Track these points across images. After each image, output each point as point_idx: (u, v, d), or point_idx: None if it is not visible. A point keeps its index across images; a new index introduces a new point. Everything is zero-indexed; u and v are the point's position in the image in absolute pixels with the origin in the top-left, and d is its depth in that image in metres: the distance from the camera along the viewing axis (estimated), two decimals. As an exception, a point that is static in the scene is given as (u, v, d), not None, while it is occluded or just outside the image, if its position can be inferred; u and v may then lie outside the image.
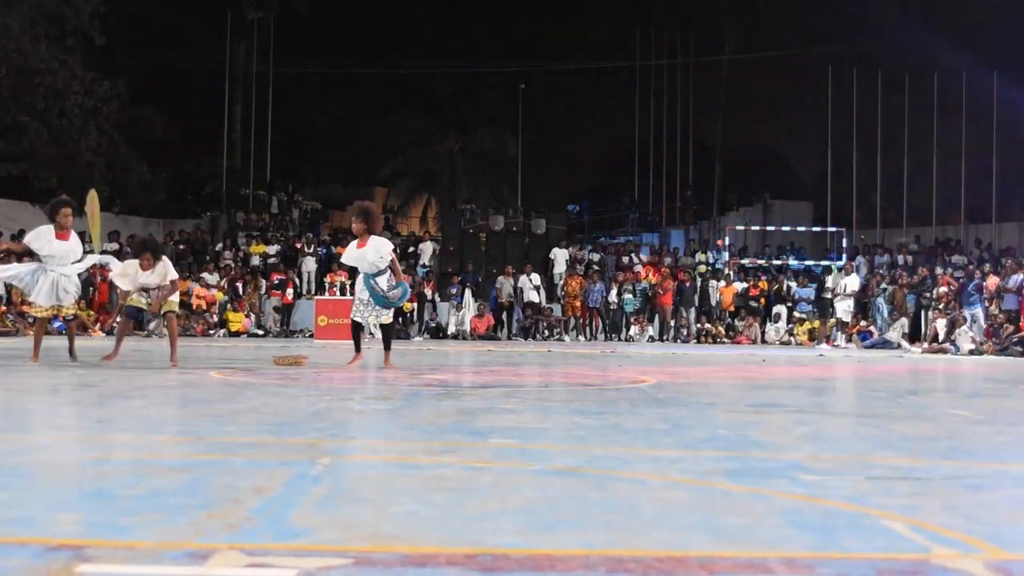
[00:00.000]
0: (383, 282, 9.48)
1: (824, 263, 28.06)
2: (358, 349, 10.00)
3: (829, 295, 22.39)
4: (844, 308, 21.88)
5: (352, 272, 23.95)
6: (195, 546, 2.33)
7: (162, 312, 9.92)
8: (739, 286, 25.82)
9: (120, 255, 24.99)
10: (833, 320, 22.26)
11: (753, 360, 14.57)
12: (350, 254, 9.81)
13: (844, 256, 27.96)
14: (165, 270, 9.85)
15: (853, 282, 22.16)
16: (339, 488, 3.20)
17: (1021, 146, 29.93)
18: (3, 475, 3.35)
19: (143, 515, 2.66)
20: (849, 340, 21.91)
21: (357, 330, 10.00)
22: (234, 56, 34.25)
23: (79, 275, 10.19)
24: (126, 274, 9.96)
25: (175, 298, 10.07)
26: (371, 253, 9.49)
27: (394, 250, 9.84)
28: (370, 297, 9.53)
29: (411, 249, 28.74)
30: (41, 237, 9.71)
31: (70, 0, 27.09)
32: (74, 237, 9.94)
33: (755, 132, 43.37)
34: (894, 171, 31.77)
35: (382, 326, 10.07)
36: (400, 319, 23.59)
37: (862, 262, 27.56)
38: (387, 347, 10.17)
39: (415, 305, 24.04)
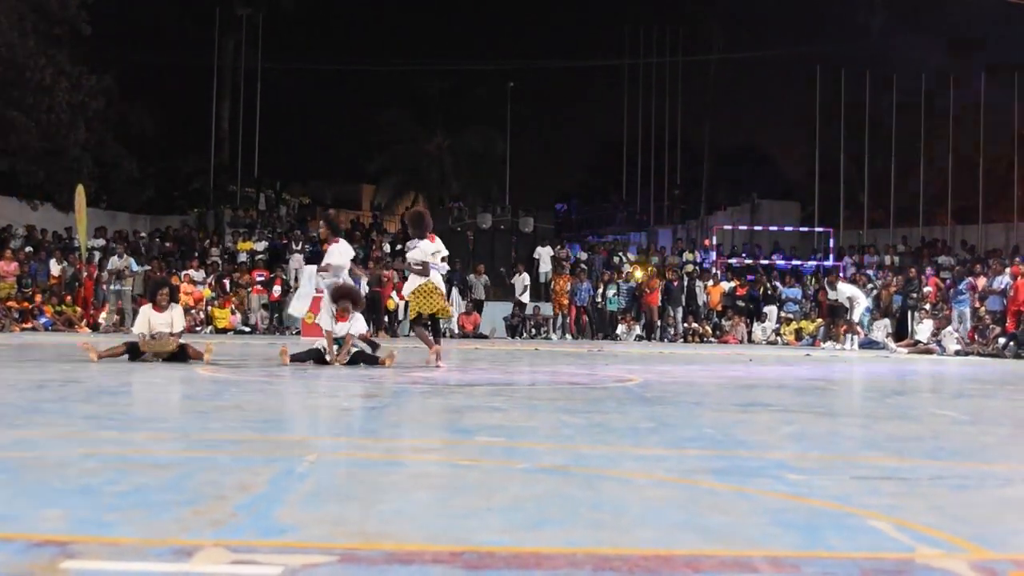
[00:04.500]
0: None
1: (811, 263, 28.11)
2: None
3: (845, 301, 21.64)
4: (861, 311, 21.40)
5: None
6: (180, 543, 2.32)
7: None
8: (726, 285, 25.84)
9: (106, 252, 24.93)
10: (858, 321, 21.50)
11: (740, 359, 14.59)
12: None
13: (831, 256, 28.02)
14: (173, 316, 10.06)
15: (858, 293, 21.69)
16: (325, 485, 3.19)
17: (1008, 148, 30.06)
18: (-13, 471, 3.33)
19: (128, 511, 2.66)
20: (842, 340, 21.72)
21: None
22: (222, 52, 34.11)
23: None
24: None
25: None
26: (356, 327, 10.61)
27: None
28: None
29: (399, 247, 28.69)
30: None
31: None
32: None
33: (743, 132, 43.56)
34: (881, 172, 31.88)
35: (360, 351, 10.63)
36: (387, 317, 23.54)
37: (849, 262, 27.63)
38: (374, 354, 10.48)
39: (400, 304, 23.95)
